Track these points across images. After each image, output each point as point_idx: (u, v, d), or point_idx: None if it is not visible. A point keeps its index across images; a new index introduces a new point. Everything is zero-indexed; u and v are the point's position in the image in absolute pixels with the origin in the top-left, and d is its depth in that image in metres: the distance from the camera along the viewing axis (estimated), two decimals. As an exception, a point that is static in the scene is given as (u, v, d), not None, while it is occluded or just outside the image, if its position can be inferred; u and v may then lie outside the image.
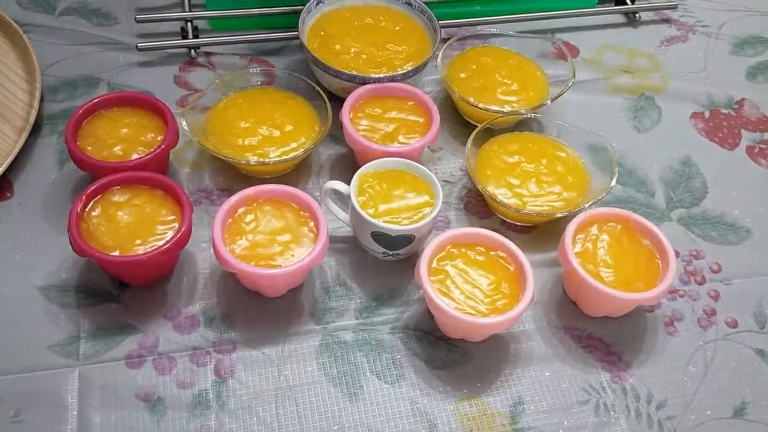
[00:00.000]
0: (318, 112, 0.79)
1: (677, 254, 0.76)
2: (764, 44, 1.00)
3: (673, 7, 1.02)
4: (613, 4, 1.02)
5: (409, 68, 0.81)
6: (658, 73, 0.94)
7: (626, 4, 1.01)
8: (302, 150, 0.75)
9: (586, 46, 0.97)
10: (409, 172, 0.72)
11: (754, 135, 0.89)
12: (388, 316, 0.70)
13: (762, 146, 0.88)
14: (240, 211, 0.68)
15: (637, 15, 1.00)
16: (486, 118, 0.80)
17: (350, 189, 0.69)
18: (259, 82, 0.82)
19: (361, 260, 0.73)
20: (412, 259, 0.73)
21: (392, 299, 0.71)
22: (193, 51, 0.89)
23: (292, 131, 0.77)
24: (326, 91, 0.81)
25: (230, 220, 0.68)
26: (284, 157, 0.75)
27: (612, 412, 0.66)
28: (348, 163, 0.80)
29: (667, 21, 1.01)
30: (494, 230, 0.76)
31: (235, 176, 0.78)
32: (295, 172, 0.79)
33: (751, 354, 0.70)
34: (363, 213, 0.68)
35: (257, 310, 0.69)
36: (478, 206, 0.79)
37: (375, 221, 0.67)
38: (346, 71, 0.79)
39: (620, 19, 1.01)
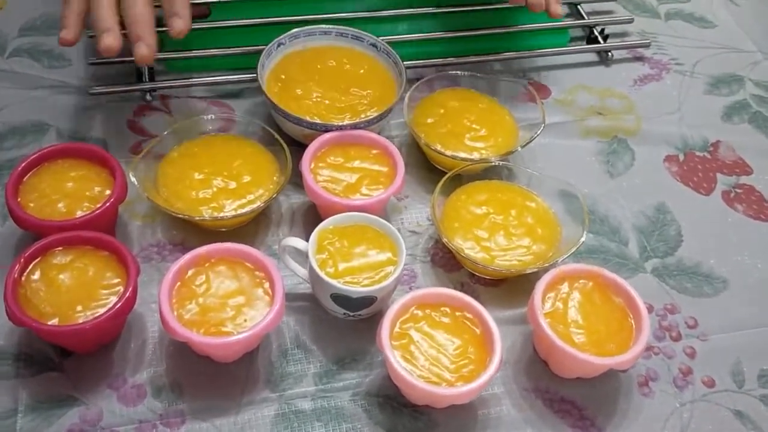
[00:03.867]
0: (278, 159, 0.75)
1: (651, 308, 0.73)
2: (739, 83, 0.98)
3: (646, 45, 1.00)
4: (584, 43, 1.00)
5: (374, 114, 0.78)
6: (632, 114, 0.92)
7: (599, 42, 0.99)
8: (260, 203, 0.71)
9: (559, 86, 0.94)
10: (371, 227, 0.68)
11: (730, 179, 0.86)
12: (350, 381, 0.66)
13: (737, 191, 0.85)
14: (190, 272, 0.64)
15: (609, 53, 0.98)
16: (454, 165, 0.77)
17: (308, 247, 0.66)
18: (216, 129, 0.78)
19: (322, 320, 0.70)
20: (376, 318, 0.69)
21: (354, 362, 0.67)
22: (148, 95, 0.85)
23: (250, 182, 0.73)
24: (287, 138, 0.77)
25: (179, 283, 0.64)
26: (240, 211, 0.71)
27: (585, 484, 0.62)
28: (310, 213, 0.77)
29: (640, 59, 0.99)
30: (462, 284, 0.73)
31: (188, 230, 0.74)
32: (254, 224, 0.75)
33: (729, 416, 0.67)
34: (321, 274, 0.64)
35: (209, 377, 0.65)
36: (445, 258, 0.75)
37: (334, 283, 0.63)
38: (307, 118, 0.76)
39: (593, 57, 0.99)
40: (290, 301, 0.70)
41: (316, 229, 0.67)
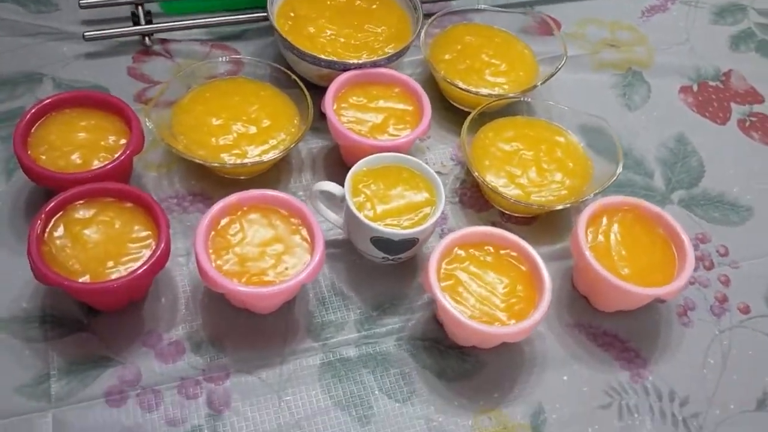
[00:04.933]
0: (295, 103, 0.72)
1: (683, 238, 0.73)
2: (743, 12, 0.97)
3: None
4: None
5: (391, 51, 0.75)
6: (643, 46, 0.90)
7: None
8: (283, 147, 0.68)
9: (567, 19, 0.92)
10: (405, 167, 0.66)
11: (744, 108, 0.86)
12: (393, 326, 0.64)
13: (752, 119, 0.85)
14: (223, 222, 0.61)
15: (614, -16, 0.96)
16: (473, 102, 0.75)
17: (344, 191, 0.63)
18: (225, 72, 0.74)
19: (357, 265, 0.67)
20: (411, 262, 0.68)
21: (395, 307, 0.65)
22: (147, 38, 0.80)
23: (270, 126, 0.70)
24: (301, 80, 0.74)
25: (213, 232, 0.60)
26: (265, 157, 0.67)
27: (636, 414, 0.62)
28: (332, 157, 0.74)
29: (645, -10, 0.97)
30: (494, 223, 0.72)
31: (207, 179, 0.70)
32: (275, 170, 0.72)
33: (766, 340, 0.68)
34: (362, 217, 0.61)
35: (248, 330, 0.62)
36: (474, 198, 0.73)
37: (376, 226, 0.61)
38: (324, 57, 0.72)
39: (598, -11, 0.97)
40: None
41: (351, 172, 0.64)
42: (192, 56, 0.80)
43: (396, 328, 0.64)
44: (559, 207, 0.69)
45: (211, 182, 0.70)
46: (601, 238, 0.65)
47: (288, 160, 0.73)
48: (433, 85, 0.80)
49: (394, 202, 0.64)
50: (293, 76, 0.72)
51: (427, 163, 0.74)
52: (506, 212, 0.72)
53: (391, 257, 0.65)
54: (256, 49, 0.82)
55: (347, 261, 0.67)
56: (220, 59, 0.74)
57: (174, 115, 0.69)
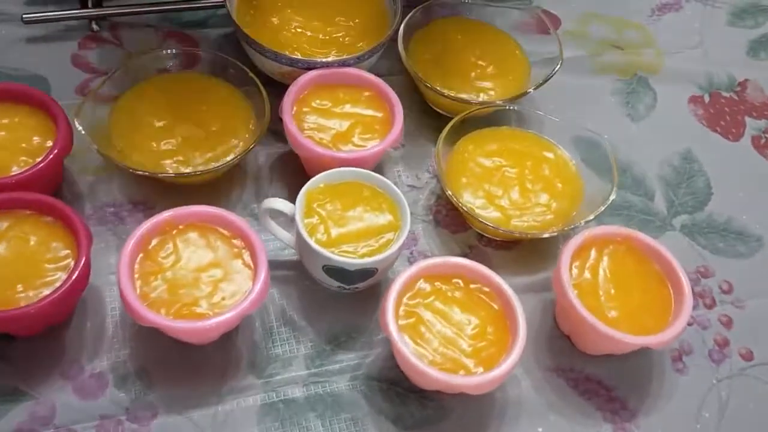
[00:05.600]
0: (253, 102, 0.64)
1: (683, 272, 0.65)
2: (765, 14, 0.88)
3: (664, -30, 0.89)
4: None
5: (364, 49, 0.66)
6: (651, 48, 0.82)
7: (611, -36, 0.87)
8: (234, 155, 0.60)
9: (568, 15, 0.83)
10: (367, 184, 0.58)
11: (760, 123, 0.77)
12: (347, 364, 0.57)
13: (768, 136, 0.77)
14: (154, 242, 0.54)
15: (624, -22, 0.87)
16: (457, 109, 0.67)
17: (295, 210, 0.55)
18: (178, 65, 0.66)
19: (311, 291, 0.60)
20: (375, 289, 0.60)
21: (351, 341, 0.58)
22: (94, 23, 0.72)
23: (220, 130, 0.62)
24: (263, 77, 0.66)
25: (141, 254, 0.53)
26: (211, 166, 0.60)
27: (617, 477, 0.55)
28: (294, 165, 0.66)
29: (657, -14, 0.88)
30: (470, 246, 0.64)
31: (151, 186, 0.63)
32: (227, 179, 0.64)
33: (771, 392, 0.60)
34: (312, 243, 0.54)
35: (182, 362, 0.55)
36: (450, 217, 0.66)
37: (327, 253, 0.53)
38: (286, 54, 0.64)
39: (604, -19, 0.88)
40: (274, 269, 0.60)
41: (304, 189, 0.56)
42: (145, 45, 0.72)
43: (351, 365, 0.57)
44: (546, 235, 0.61)
45: (154, 190, 0.63)
46: (587, 274, 0.57)
47: (243, 167, 0.66)
48: (412, 85, 0.72)
49: (352, 225, 0.56)
50: (250, 73, 0.64)
51: (399, 176, 0.67)
52: (485, 234, 0.64)
53: (347, 287, 0.57)
54: (217, 39, 0.74)
55: (300, 286, 0.60)
56: (165, 51, 0.66)
57: (112, 112, 0.62)
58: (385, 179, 0.58)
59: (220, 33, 0.74)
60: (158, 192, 0.62)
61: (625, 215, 0.68)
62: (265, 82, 0.64)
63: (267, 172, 0.66)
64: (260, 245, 0.54)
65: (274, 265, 0.60)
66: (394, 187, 0.57)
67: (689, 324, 0.62)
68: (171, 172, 0.59)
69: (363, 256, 0.55)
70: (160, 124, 0.61)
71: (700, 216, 0.69)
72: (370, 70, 0.68)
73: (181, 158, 0.60)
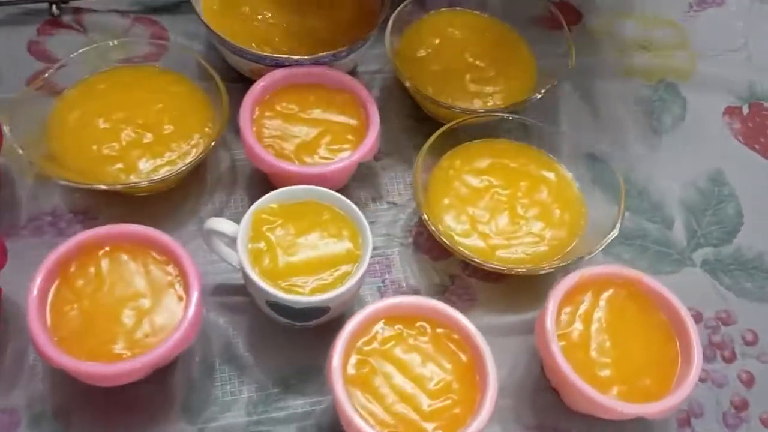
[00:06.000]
0: (215, 103, 0.57)
1: (699, 317, 0.56)
2: (823, 12, 0.77)
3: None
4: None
5: (344, 46, 0.58)
6: (684, 51, 0.71)
7: (646, -48, 0.77)
8: (182, 163, 0.53)
9: (592, 8, 0.73)
10: (328, 206, 0.50)
11: (807, 141, 0.67)
12: (295, 411, 0.49)
13: (816, 157, 0.66)
14: (74, 266, 0.47)
15: (659, -32, 0.76)
16: (449, 115, 0.58)
17: (239, 233, 0.48)
18: (141, 56, 0.59)
19: (261, 323, 0.52)
20: (333, 325, 0.52)
21: (302, 384, 0.51)
22: (54, 7, 0.65)
23: (173, 133, 0.55)
24: (234, 73, 0.58)
25: (59, 280, 0.46)
26: (156, 176, 0.53)
27: None
28: (260, 174, 0.58)
29: (697, -24, 0.78)
30: (453, 276, 0.56)
31: (94, 194, 0.56)
32: (182, 188, 0.57)
33: (795, 469, 0.51)
34: (253, 275, 0.46)
35: (108, 402, 0.48)
36: (432, 241, 0.57)
37: (267, 288, 0.46)
38: (252, 48, 0.57)
39: (638, -28, 0.77)
40: (224, 295, 0.53)
41: (251, 209, 0.49)
42: (110, 31, 0.65)
43: (299, 414, 0.49)
44: (536, 272, 0.52)
45: (98, 199, 0.56)
46: (578, 324, 0.48)
47: (202, 174, 0.58)
48: (404, 87, 0.64)
49: (304, 253, 0.48)
50: (209, 68, 0.56)
51: (379, 190, 0.59)
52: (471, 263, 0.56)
53: (296, 324, 0.50)
54: (191, 26, 0.66)
55: (251, 315, 0.53)
56: (110, 42, 0.59)
57: (54, 110, 0.55)
58: (346, 200, 0.50)
59: (192, 19, 0.66)
60: (102, 201, 0.56)
61: (638, 246, 0.59)
62: (235, 79, 0.57)
63: (229, 181, 0.59)
64: (194, 273, 0.46)
65: (223, 290, 0.53)
66: (357, 210, 0.50)
67: (702, 380, 0.53)
68: (104, 182, 0.52)
69: (313, 291, 0.47)
70: (105, 125, 0.54)
71: (727, 250, 0.60)
72: (355, 67, 0.61)
73: (121, 166, 0.53)
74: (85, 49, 0.58)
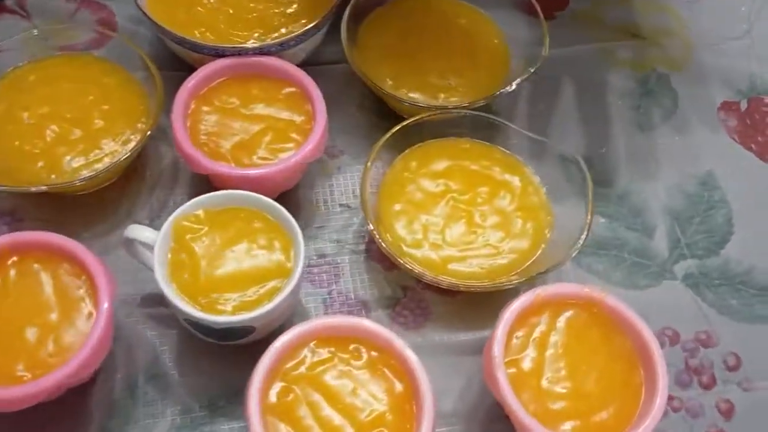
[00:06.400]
0: (153, 94, 0.52)
1: (676, 338, 0.51)
2: (836, -3, 0.70)
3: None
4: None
5: (296, 32, 0.53)
6: (679, 38, 0.65)
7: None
8: (110, 161, 0.49)
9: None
10: (260, 213, 0.46)
11: (811, 141, 0.61)
12: (222, 436, 0.46)
13: (820, 159, 0.60)
14: (-26, 278, 0.43)
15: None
16: (412, 111, 0.53)
17: (156, 243, 0.44)
18: (83, 44, 0.55)
19: (189, 338, 0.48)
20: (270, 338, 0.48)
21: (231, 406, 0.46)
22: (-6, -10, 0.61)
23: (102, 129, 0.51)
24: (181, 63, 0.54)
25: (-44, 293, 0.43)
26: (81, 175, 0.49)
27: None
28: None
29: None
30: (405, 288, 0.51)
31: (21, 194, 0.52)
32: (118, 186, 0.53)
33: None
34: (167, 291, 0.42)
35: (20, 423, 0.45)
36: (385, 248, 0.53)
37: (182, 306, 0.42)
38: (187, 37, 0.52)
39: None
40: (152, 307, 0.49)
41: (173, 216, 0.45)
42: (54, 15, 0.61)
43: (226, 438, 0.46)
44: (488, 288, 0.48)
45: (26, 199, 0.52)
46: (531, 351, 0.44)
47: (140, 171, 0.54)
48: (367, 77, 0.59)
49: (230, 266, 0.44)
50: (146, 58, 0.52)
51: (332, 191, 0.55)
52: (424, 275, 0.52)
53: (221, 342, 0.46)
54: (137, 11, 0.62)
55: (180, 328, 0.48)
56: (34, 31, 0.54)
57: (-21, 104, 0.51)
58: (280, 208, 0.45)
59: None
60: (30, 202, 0.52)
61: (613, 256, 0.54)
62: (188, 70, 0.53)
63: (170, 179, 0.54)
64: (105, 286, 0.42)
65: (152, 300, 0.49)
66: (291, 219, 0.45)
67: (675, 410, 0.48)
68: (26, 182, 0.48)
69: (237, 309, 0.43)
70: (30, 120, 0.50)
71: (713, 262, 0.54)
72: (304, 61, 0.56)
73: (42, 164, 0.49)
74: (18, 36, 0.54)
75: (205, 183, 0.52)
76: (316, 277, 0.51)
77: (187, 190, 0.54)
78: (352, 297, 0.51)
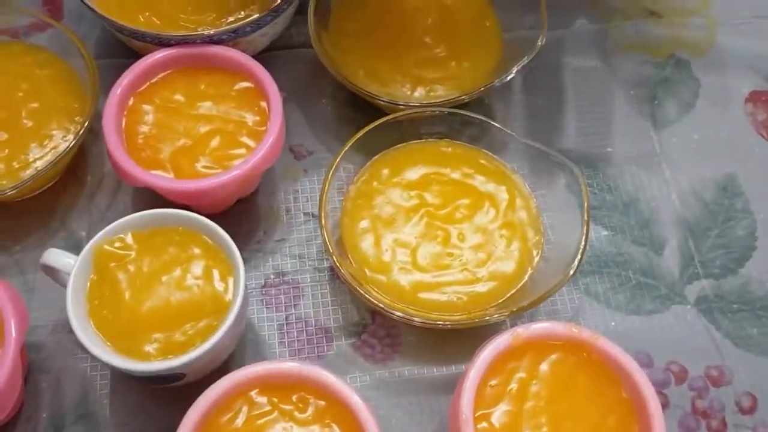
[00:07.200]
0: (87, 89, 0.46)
1: (684, 374, 0.44)
2: None
3: None
4: None
5: (252, 16, 0.46)
6: (702, 16, 0.57)
7: None
8: (39, 165, 0.43)
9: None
10: (199, 236, 0.40)
11: None
12: (155, 485, 0.41)
13: None
14: None
15: None
16: (387, 106, 0.46)
17: (72, 274, 0.38)
18: (24, 32, 0.49)
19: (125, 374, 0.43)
20: (218, 373, 0.43)
21: (168, 450, 0.41)
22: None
23: (32, 128, 0.45)
24: (125, 51, 0.48)
25: None
26: (2, 189, 0.43)
27: None
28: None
29: None
30: (374, 313, 0.45)
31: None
32: (51, 193, 0.47)
33: None
34: (79, 330, 0.36)
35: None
36: (353, 266, 0.47)
37: (101, 355, 0.36)
38: (124, 23, 0.45)
39: None
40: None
41: (93, 241, 0.38)
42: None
43: (161, 488, 0.41)
44: (461, 323, 0.41)
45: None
46: (506, 404, 0.37)
47: (80, 176, 0.48)
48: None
49: (159, 299, 0.38)
50: (81, 47, 0.45)
51: (296, 198, 0.49)
52: (394, 299, 0.45)
53: (151, 385, 0.40)
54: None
55: (115, 362, 0.43)
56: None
57: None
58: (219, 230, 0.39)
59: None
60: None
61: (615, 275, 0.47)
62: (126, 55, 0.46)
63: (113, 184, 0.48)
64: (15, 321, 0.37)
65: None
66: (232, 244, 0.39)
67: (678, 461, 0.42)
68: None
69: (163, 352, 0.37)
70: (-52, 120, 0.45)
71: (730, 283, 0.47)
72: (276, 41, 0.49)
73: (-41, 173, 0.43)
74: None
75: (151, 191, 0.46)
76: (273, 299, 0.45)
77: (131, 196, 0.48)
78: (312, 323, 0.45)
